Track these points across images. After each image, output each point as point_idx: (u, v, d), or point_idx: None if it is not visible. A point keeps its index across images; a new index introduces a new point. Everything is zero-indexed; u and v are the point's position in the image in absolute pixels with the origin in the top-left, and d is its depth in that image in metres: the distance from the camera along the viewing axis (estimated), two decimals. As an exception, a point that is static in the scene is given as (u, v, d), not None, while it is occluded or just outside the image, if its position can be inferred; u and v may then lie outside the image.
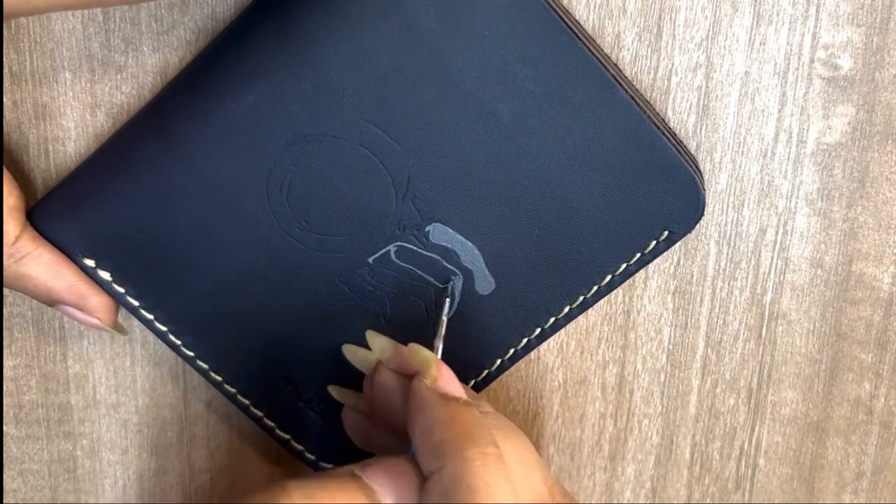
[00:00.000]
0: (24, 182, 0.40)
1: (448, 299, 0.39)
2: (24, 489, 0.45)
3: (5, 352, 0.42)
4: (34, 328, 0.42)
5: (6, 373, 0.43)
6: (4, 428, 0.44)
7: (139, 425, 0.44)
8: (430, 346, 0.38)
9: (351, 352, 0.40)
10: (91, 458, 0.45)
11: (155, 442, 0.44)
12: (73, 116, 0.39)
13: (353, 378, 0.40)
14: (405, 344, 0.38)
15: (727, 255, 0.42)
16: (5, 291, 0.42)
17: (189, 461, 0.45)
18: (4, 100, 0.39)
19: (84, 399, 0.43)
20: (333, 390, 0.41)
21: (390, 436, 0.39)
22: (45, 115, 0.39)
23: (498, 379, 0.44)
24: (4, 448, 0.44)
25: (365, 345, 0.39)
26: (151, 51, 0.38)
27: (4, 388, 0.43)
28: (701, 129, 0.40)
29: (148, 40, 0.38)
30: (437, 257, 0.39)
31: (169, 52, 0.38)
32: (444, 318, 0.39)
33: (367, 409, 0.40)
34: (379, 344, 0.38)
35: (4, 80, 0.38)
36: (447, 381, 0.35)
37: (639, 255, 0.39)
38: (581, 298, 0.40)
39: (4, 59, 0.38)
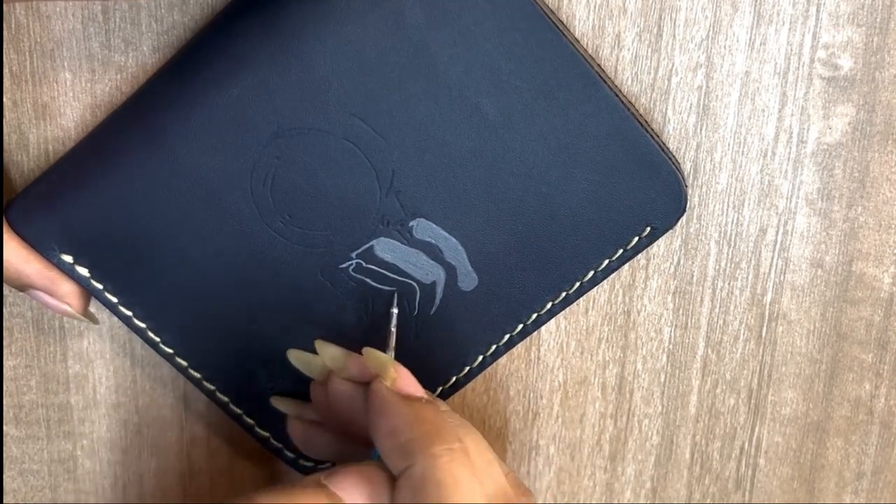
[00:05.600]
0: (25, 183, 0.40)
1: (395, 311, 0.39)
2: (24, 489, 0.45)
3: (5, 352, 0.42)
4: (34, 328, 0.42)
5: (6, 373, 0.43)
6: (4, 428, 0.44)
7: (139, 425, 0.44)
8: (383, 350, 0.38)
9: (297, 357, 0.39)
10: (91, 458, 0.44)
11: (155, 442, 0.44)
12: (73, 116, 0.39)
13: None
14: (385, 350, 0.38)
15: (727, 255, 0.42)
16: (5, 291, 0.42)
17: (189, 461, 0.45)
18: (4, 100, 0.39)
19: (84, 399, 0.43)
20: (276, 402, 0.41)
21: (343, 442, 0.39)
22: (45, 115, 0.39)
23: (498, 379, 0.44)
24: (4, 448, 0.44)
25: (343, 343, 0.39)
26: (151, 51, 0.38)
27: (4, 388, 0.43)
28: (701, 129, 0.40)
29: (148, 40, 0.38)
30: (421, 253, 0.39)
31: (169, 52, 0.38)
32: (393, 329, 0.39)
33: (316, 417, 0.40)
34: (330, 353, 0.38)
35: (4, 80, 0.38)
36: (406, 381, 0.35)
37: (621, 251, 0.39)
38: (563, 294, 0.40)
39: (4, 59, 0.38)
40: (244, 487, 0.46)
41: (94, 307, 0.40)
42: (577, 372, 0.44)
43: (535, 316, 0.40)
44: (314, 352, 0.39)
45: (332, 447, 0.39)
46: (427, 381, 0.41)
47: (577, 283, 0.40)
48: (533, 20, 0.35)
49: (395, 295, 0.39)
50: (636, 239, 0.39)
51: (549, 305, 0.40)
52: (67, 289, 0.38)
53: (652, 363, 0.44)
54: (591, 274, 0.39)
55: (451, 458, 0.32)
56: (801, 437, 0.45)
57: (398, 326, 0.40)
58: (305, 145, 0.37)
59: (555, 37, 0.36)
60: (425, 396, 0.35)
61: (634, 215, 0.38)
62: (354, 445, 0.38)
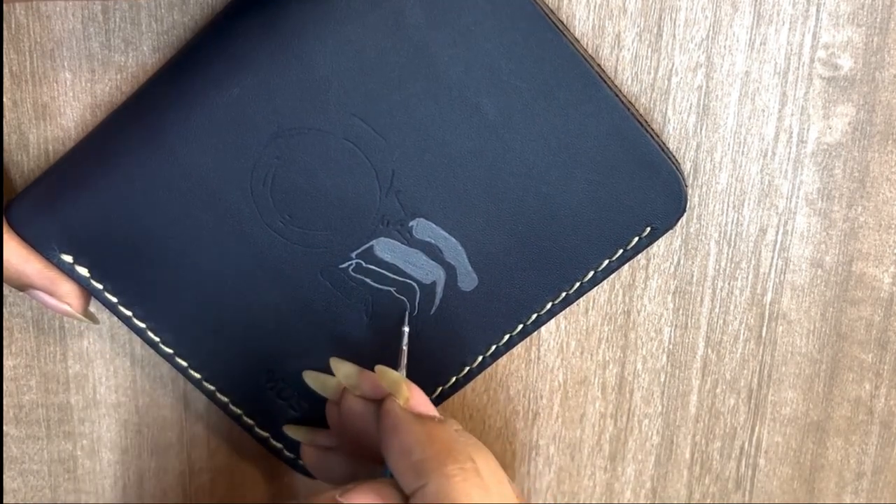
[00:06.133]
0: (25, 183, 0.40)
1: (406, 329, 0.39)
2: (24, 489, 0.45)
3: (5, 352, 0.42)
4: (34, 328, 0.42)
5: (6, 373, 0.43)
6: (4, 428, 0.44)
7: (139, 425, 0.44)
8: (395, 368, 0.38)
9: (313, 378, 0.40)
10: (91, 458, 0.44)
11: (155, 442, 0.44)
12: (73, 116, 0.39)
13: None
14: (385, 351, 0.39)
15: (727, 255, 0.42)
16: (5, 291, 0.42)
17: (189, 461, 0.45)
18: (4, 100, 0.39)
19: (84, 399, 0.43)
20: (289, 430, 0.41)
21: (355, 464, 0.39)
22: (45, 115, 0.39)
23: (498, 379, 0.44)
24: (4, 448, 0.44)
25: (343, 343, 0.40)
26: (151, 51, 0.38)
27: (4, 388, 0.43)
28: (701, 129, 0.40)
29: (148, 40, 0.38)
30: (421, 253, 0.39)
31: (169, 52, 0.38)
32: (405, 348, 0.39)
33: (329, 442, 0.40)
34: (344, 370, 0.38)
35: (4, 80, 0.38)
36: (419, 400, 0.36)
37: (621, 251, 0.39)
38: (563, 294, 0.40)
39: (4, 59, 0.38)
40: (244, 487, 0.46)
41: (94, 307, 0.40)
42: (577, 372, 0.44)
43: (534, 316, 0.40)
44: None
45: (344, 470, 0.40)
46: (427, 381, 0.41)
47: (577, 284, 0.40)
48: (533, 20, 0.35)
49: (407, 314, 0.39)
50: (636, 239, 0.39)
51: (549, 306, 0.40)
52: (67, 289, 0.39)
53: (652, 363, 0.44)
54: (591, 274, 0.39)
55: (464, 477, 0.33)
56: (801, 437, 0.45)
57: (394, 332, 0.40)
58: (305, 145, 0.37)
59: (555, 37, 0.36)
60: (438, 416, 0.36)
61: (634, 215, 0.38)
62: (367, 468, 0.39)
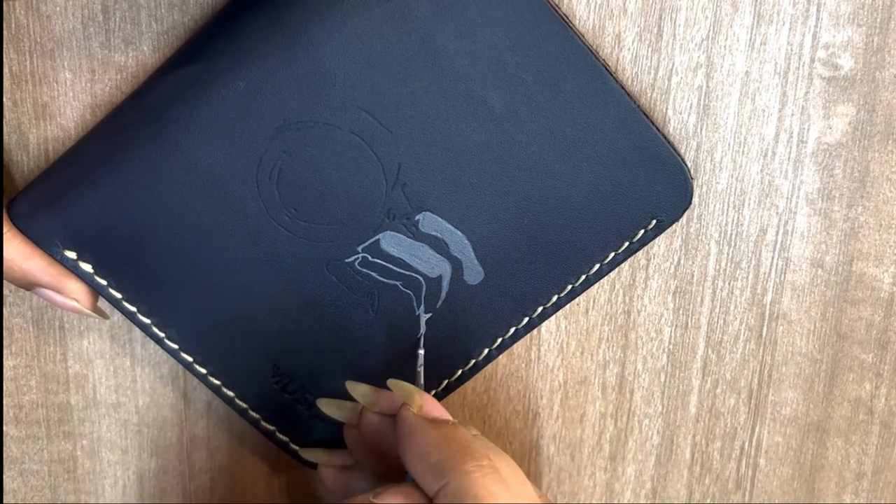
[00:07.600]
0: (25, 183, 0.40)
1: (421, 352, 0.40)
2: (24, 489, 0.45)
3: (5, 352, 0.42)
4: (34, 328, 0.42)
5: (6, 373, 0.43)
6: (4, 428, 0.44)
7: (139, 425, 0.44)
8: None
9: (327, 404, 0.41)
10: (91, 458, 0.44)
11: (155, 442, 0.44)
12: (73, 116, 0.39)
13: (339, 372, 0.40)
14: (391, 345, 0.39)
15: (728, 255, 0.42)
16: (5, 290, 0.42)
17: (189, 461, 0.45)
18: (4, 100, 0.39)
19: (84, 399, 0.43)
20: (306, 453, 0.42)
21: (375, 481, 0.40)
22: (45, 115, 0.39)
23: (498, 379, 0.44)
24: (4, 448, 0.44)
25: (349, 338, 0.40)
26: (151, 51, 0.38)
27: (4, 388, 0.43)
28: (701, 129, 0.40)
29: (148, 40, 0.38)
30: (427, 247, 0.39)
31: (169, 52, 0.38)
32: (420, 370, 0.40)
33: (347, 462, 0.41)
34: (360, 391, 0.39)
35: (4, 80, 0.38)
36: (432, 406, 0.37)
37: (627, 243, 0.39)
38: (569, 287, 0.40)
39: (4, 59, 0.38)
40: (244, 487, 0.46)
41: (102, 302, 0.40)
42: (577, 372, 0.44)
43: (540, 309, 0.40)
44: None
45: (365, 489, 0.40)
46: (432, 374, 0.41)
47: (583, 277, 0.40)
48: (539, 12, 0.35)
49: (422, 337, 0.40)
50: (642, 231, 0.39)
51: (554, 299, 0.40)
52: (74, 286, 0.38)
53: (652, 363, 0.44)
54: (596, 267, 0.39)
55: (483, 473, 0.33)
56: (801, 437, 0.45)
57: (400, 327, 0.40)
58: (312, 138, 0.37)
59: (561, 29, 0.36)
60: (451, 419, 0.36)
61: (640, 208, 0.38)
62: (387, 483, 0.39)
